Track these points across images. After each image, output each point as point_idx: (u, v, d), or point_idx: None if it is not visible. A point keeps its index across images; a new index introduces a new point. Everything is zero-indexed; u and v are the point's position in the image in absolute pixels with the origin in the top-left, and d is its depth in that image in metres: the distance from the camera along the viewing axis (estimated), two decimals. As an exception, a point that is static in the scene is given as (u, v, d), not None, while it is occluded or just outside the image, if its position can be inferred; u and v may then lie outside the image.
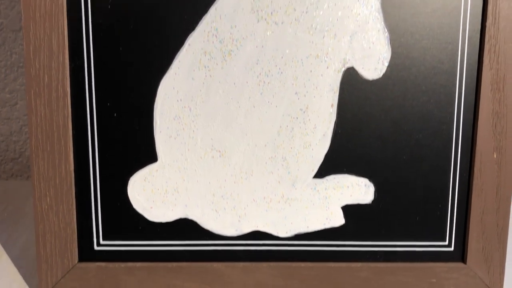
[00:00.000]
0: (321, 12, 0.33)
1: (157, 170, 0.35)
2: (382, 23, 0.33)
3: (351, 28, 0.33)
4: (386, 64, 0.34)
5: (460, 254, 0.36)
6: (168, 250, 0.36)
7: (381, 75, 0.34)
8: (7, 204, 0.50)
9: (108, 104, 0.34)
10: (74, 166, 0.34)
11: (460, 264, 0.36)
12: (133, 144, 0.34)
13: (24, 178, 0.57)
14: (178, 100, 0.34)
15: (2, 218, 0.48)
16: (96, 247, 0.36)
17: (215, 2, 0.33)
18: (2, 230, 0.45)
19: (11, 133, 0.54)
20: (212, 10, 0.33)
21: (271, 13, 0.33)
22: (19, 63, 0.51)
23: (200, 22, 0.33)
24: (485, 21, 0.33)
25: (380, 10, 0.33)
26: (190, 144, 0.34)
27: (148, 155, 0.35)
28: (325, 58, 0.33)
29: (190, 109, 0.34)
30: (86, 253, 0.35)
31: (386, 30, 0.33)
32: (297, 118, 0.34)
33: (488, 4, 0.33)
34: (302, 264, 0.36)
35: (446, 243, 0.36)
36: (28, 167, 0.56)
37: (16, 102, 0.53)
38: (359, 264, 0.36)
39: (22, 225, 0.46)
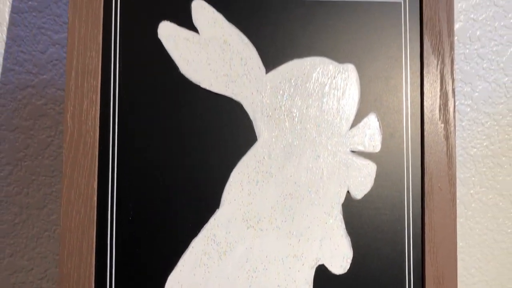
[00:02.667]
0: (296, 222, 0.42)
1: None
2: (345, 230, 0.42)
3: (320, 234, 0.42)
4: (350, 261, 0.42)
5: None
6: None
7: (346, 270, 0.42)
8: None
9: (125, 296, 0.41)
10: None
11: None
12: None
13: (31, 337, 0.61)
14: (182, 292, 0.42)
15: None
16: None
17: (214, 214, 0.42)
18: None
19: (24, 296, 0.60)
20: (212, 220, 0.42)
21: (258, 222, 0.42)
22: (38, 235, 0.59)
23: (202, 229, 0.42)
24: (424, 227, 0.42)
25: (342, 220, 0.42)
26: (190, 330, 0.41)
27: None
28: (301, 257, 0.42)
29: (191, 299, 0.42)
30: None
31: (347, 235, 0.42)
32: (279, 306, 0.42)
33: (425, 215, 0.42)
34: None
35: None
36: (35, 327, 0.61)
37: (32, 268, 0.60)
38: None
39: None
